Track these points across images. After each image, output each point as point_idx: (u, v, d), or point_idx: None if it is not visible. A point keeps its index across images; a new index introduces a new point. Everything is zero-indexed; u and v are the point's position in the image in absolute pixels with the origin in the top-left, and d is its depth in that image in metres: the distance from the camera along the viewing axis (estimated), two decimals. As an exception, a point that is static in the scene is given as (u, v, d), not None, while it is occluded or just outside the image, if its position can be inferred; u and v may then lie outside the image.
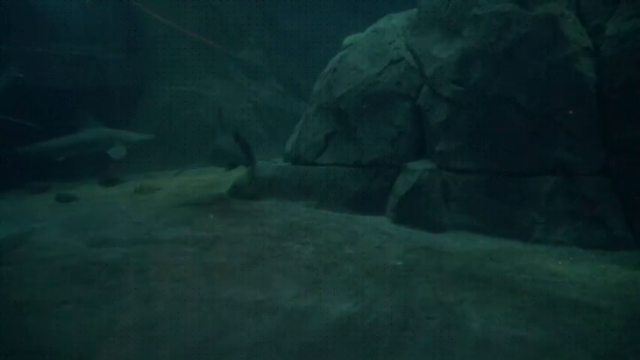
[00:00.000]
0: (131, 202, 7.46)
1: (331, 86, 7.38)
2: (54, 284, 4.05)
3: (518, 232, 5.45)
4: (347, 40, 8.06)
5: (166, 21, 11.84)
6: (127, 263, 4.58)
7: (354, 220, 6.36)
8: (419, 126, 6.65)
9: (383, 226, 6.08)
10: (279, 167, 7.89)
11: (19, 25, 9.51)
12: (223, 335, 3.22)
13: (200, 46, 12.73)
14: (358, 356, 3.03)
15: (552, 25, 5.39)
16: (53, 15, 10.14)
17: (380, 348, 3.09)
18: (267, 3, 14.14)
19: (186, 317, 3.51)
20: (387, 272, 4.45)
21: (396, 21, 7.66)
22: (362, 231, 5.86)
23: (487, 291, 3.98)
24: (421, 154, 6.61)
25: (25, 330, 3.28)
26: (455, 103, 6.00)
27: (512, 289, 4.01)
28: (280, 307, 3.65)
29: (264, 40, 14.41)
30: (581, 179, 5.34)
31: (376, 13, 8.21)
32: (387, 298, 3.81)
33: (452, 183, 5.98)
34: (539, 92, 5.45)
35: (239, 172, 7.89)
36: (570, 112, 5.40)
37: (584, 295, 3.87)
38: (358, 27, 8.33)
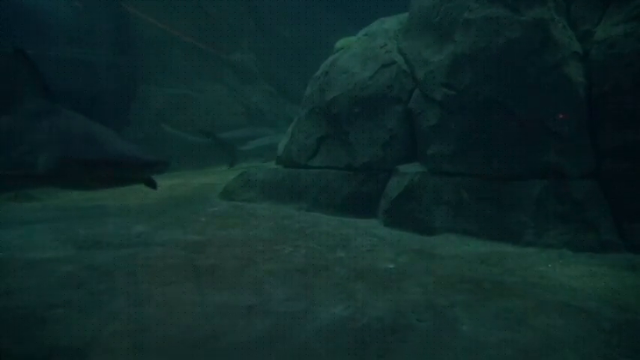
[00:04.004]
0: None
1: (323, 89, 7.39)
2: None
3: (509, 235, 5.48)
4: (339, 44, 8.07)
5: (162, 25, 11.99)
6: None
7: (346, 223, 6.36)
8: (410, 129, 6.67)
9: (374, 229, 6.08)
10: (271, 170, 7.88)
11: (5, 26, 9.43)
12: (214, 339, 3.20)
13: (192, 49, 12.72)
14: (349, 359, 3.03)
15: (542, 29, 5.43)
16: (42, 16, 10.04)
17: (370, 351, 3.09)
18: (260, 8, 14.16)
19: (177, 321, 3.49)
20: (378, 275, 4.45)
21: (387, 25, 7.68)
22: (353, 234, 5.85)
23: (478, 294, 3.99)
24: (413, 158, 6.63)
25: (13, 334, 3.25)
26: (446, 107, 6.03)
27: (502, 292, 4.03)
28: (271, 311, 3.64)
29: (256, 44, 14.42)
30: (571, 183, 5.38)
31: (368, 18, 8.24)
32: (378, 302, 3.81)
33: (443, 186, 6.00)
34: (530, 96, 5.48)
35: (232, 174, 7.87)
36: (560, 116, 5.44)
37: (573, 298, 3.89)
38: (350, 31, 8.36)
